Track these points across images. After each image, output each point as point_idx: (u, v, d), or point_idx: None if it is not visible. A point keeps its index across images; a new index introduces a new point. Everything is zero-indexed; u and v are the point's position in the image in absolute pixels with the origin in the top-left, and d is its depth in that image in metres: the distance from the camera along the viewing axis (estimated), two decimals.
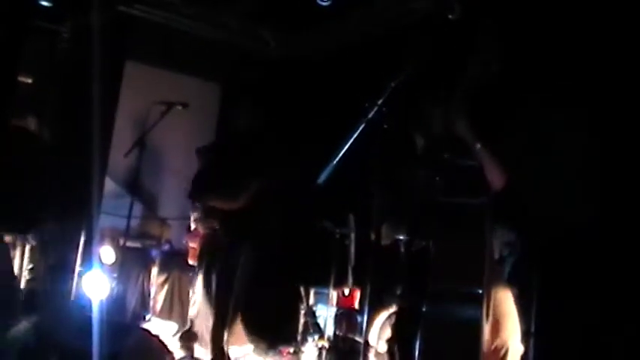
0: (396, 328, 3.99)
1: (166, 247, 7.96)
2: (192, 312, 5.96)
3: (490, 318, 3.57)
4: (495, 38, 3.52)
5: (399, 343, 3.81)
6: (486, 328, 3.51)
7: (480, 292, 3.43)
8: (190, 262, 6.42)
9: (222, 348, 5.52)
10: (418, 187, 3.81)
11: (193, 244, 6.35)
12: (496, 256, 3.78)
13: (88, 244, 7.13)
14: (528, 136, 5.27)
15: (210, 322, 5.53)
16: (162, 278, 7.40)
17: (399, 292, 3.98)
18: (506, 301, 3.76)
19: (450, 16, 4.30)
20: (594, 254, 4.93)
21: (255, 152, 5.49)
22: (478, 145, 3.60)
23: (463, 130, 3.61)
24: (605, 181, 4.87)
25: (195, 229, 6.30)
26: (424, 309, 3.47)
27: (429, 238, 3.60)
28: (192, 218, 6.37)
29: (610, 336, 4.81)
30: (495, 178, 3.63)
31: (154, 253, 7.78)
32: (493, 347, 3.63)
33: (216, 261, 5.48)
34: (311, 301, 6.96)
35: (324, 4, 6.78)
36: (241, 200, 5.31)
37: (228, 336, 5.40)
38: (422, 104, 3.95)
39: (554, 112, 5.20)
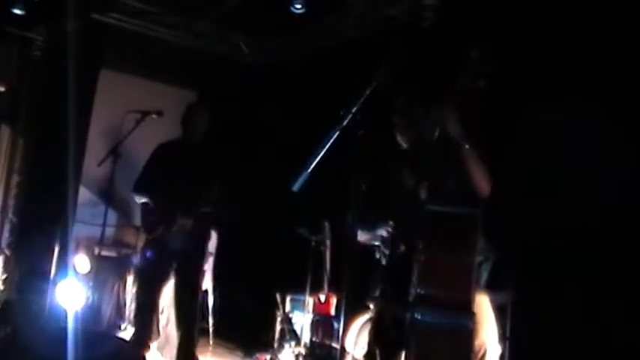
0: (376, 332, 3.98)
1: (148, 254, 7.89)
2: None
3: None
4: (486, 54, 3.51)
5: (380, 347, 3.81)
6: None
7: (470, 301, 3.41)
8: None
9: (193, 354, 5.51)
10: (405, 193, 3.80)
11: None
12: None
13: (63, 253, 7.10)
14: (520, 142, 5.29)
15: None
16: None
17: (377, 294, 3.96)
18: (482, 304, 3.72)
19: (423, 24, 4.35)
20: (571, 259, 4.98)
21: (216, 159, 5.54)
22: (467, 147, 3.55)
23: (453, 129, 3.55)
24: (588, 187, 4.90)
25: None
26: (414, 316, 3.46)
27: (414, 245, 3.58)
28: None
29: (585, 339, 4.86)
30: (482, 183, 3.59)
31: (135, 260, 7.70)
32: None
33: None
34: (287, 307, 6.96)
35: (298, 11, 6.81)
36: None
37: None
38: (409, 108, 3.92)
39: (546, 118, 5.20)
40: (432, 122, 3.75)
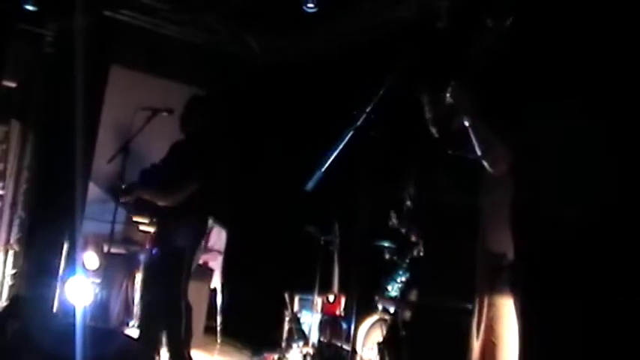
0: (389, 334, 3.94)
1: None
2: None
3: (481, 335, 3.26)
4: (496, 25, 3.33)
5: (389, 347, 3.76)
6: (476, 345, 3.31)
7: (469, 306, 3.26)
8: None
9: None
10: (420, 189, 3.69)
11: None
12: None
13: (72, 249, 7.09)
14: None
15: None
16: None
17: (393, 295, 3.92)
18: (503, 318, 3.32)
19: (438, 25, 4.29)
20: (582, 259, 4.87)
21: (196, 153, 5.53)
22: (479, 120, 3.24)
23: (463, 104, 3.28)
24: (598, 182, 4.77)
25: None
26: (410, 318, 3.43)
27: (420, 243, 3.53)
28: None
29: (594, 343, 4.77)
30: (496, 157, 3.27)
31: (142, 257, 7.70)
32: None
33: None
34: (296, 307, 6.96)
35: (310, 10, 6.77)
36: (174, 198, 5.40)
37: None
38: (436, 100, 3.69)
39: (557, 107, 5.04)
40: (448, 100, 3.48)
